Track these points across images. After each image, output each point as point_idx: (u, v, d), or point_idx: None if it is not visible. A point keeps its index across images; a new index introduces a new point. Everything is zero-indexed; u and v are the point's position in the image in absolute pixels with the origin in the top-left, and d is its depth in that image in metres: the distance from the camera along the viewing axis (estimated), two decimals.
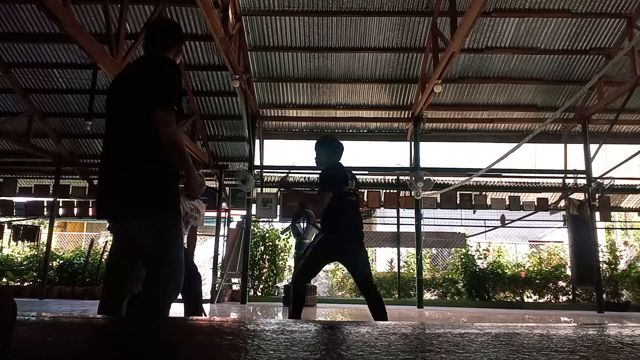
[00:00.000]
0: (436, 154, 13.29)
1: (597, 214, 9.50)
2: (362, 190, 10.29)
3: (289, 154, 13.08)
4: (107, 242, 10.99)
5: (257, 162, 9.86)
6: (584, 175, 9.39)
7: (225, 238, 9.66)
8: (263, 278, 10.29)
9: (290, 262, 10.45)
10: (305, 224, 7.91)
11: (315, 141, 4.22)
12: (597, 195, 9.38)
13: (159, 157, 2.18)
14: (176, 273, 2.23)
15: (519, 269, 10.58)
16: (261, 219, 10.13)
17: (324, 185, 3.88)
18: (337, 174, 3.98)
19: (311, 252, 3.89)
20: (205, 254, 12.21)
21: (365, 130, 10.43)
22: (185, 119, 2.19)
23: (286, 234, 9.99)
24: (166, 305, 2.25)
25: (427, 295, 10.48)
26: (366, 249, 3.98)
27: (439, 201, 10.31)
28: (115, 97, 2.32)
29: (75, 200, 10.71)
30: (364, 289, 3.88)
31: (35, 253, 10.74)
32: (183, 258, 2.28)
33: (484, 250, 10.71)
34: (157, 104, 2.15)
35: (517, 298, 10.26)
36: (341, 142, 4.20)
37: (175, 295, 2.26)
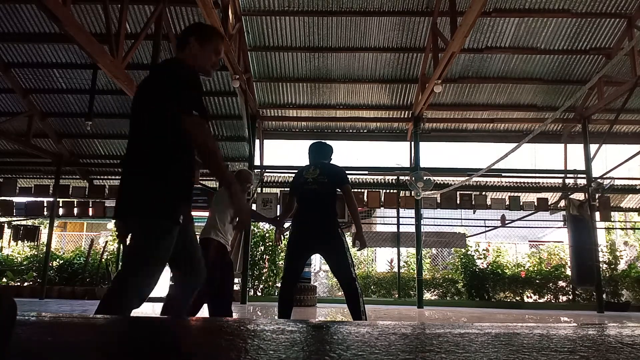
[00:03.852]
0: (436, 154, 13.31)
1: (597, 214, 9.50)
2: (362, 190, 10.31)
3: (289, 154, 13.07)
4: (107, 242, 11.00)
5: (257, 162, 9.87)
6: (584, 175, 9.39)
7: None
8: (263, 278, 10.29)
9: None
10: None
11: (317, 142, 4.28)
12: (597, 195, 9.38)
13: (161, 162, 2.15)
14: (128, 283, 2.11)
15: (519, 269, 10.58)
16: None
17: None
18: (295, 175, 4.15)
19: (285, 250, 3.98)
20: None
21: (365, 130, 10.43)
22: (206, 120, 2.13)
23: (286, 234, 9.99)
24: (106, 308, 2.08)
25: (427, 295, 10.48)
26: (342, 237, 3.82)
27: (439, 201, 10.31)
28: (133, 100, 2.35)
29: (75, 200, 10.72)
30: (340, 280, 3.82)
31: (35, 253, 10.75)
32: (149, 270, 2.13)
33: (483, 250, 10.71)
34: (176, 109, 2.12)
35: (517, 298, 10.26)
36: (321, 142, 4.26)
37: (122, 303, 2.10)
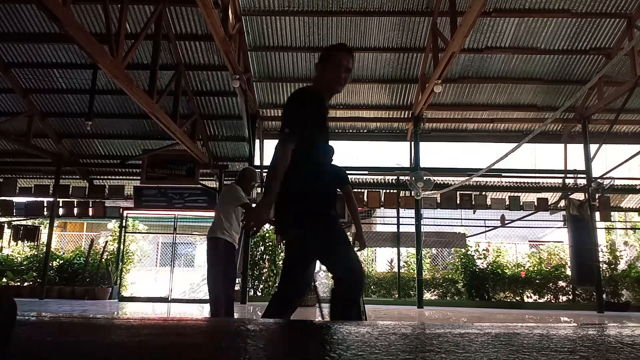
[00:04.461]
0: (436, 154, 13.27)
1: (597, 214, 9.50)
2: (362, 190, 10.30)
3: None
4: (107, 242, 10.99)
5: (257, 162, 9.86)
6: (584, 175, 9.39)
7: None
8: (263, 278, 10.29)
9: None
10: None
11: None
12: (597, 195, 9.37)
13: (291, 181, 2.35)
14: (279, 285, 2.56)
15: (519, 269, 10.58)
16: None
17: None
18: None
19: None
20: (205, 255, 12.20)
21: (365, 130, 10.43)
22: (299, 135, 2.23)
23: None
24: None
25: (427, 295, 10.48)
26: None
27: (439, 201, 10.31)
28: None
29: (75, 200, 10.71)
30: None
31: (35, 253, 10.74)
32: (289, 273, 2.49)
33: (483, 250, 10.71)
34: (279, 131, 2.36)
35: (517, 298, 10.25)
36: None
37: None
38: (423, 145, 9.60)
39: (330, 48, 2.55)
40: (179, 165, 9.56)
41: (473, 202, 10.33)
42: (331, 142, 4.38)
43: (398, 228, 10.22)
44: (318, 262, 2.60)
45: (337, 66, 2.43)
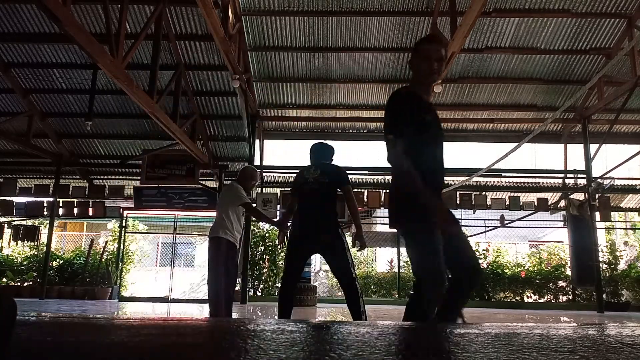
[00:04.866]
0: None
1: (597, 214, 9.50)
2: (362, 190, 10.30)
3: (289, 154, 13.06)
4: (107, 242, 10.99)
5: (257, 162, 9.86)
6: (584, 175, 9.39)
7: None
8: (263, 278, 10.29)
9: None
10: None
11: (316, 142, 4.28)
12: (597, 195, 9.38)
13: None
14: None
15: (519, 269, 10.58)
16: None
17: None
18: (296, 175, 4.15)
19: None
20: (205, 254, 12.21)
21: (365, 130, 10.43)
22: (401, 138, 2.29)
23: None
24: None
25: None
26: (342, 237, 3.84)
27: None
28: None
29: (75, 200, 10.71)
30: (340, 281, 3.86)
31: (35, 253, 10.74)
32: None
33: (483, 250, 10.71)
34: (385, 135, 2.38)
35: (517, 298, 10.25)
36: (323, 143, 4.26)
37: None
38: None
39: (418, 42, 2.54)
40: (179, 165, 9.56)
41: (473, 202, 10.33)
42: (331, 142, 4.39)
43: None
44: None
45: (427, 58, 2.43)
